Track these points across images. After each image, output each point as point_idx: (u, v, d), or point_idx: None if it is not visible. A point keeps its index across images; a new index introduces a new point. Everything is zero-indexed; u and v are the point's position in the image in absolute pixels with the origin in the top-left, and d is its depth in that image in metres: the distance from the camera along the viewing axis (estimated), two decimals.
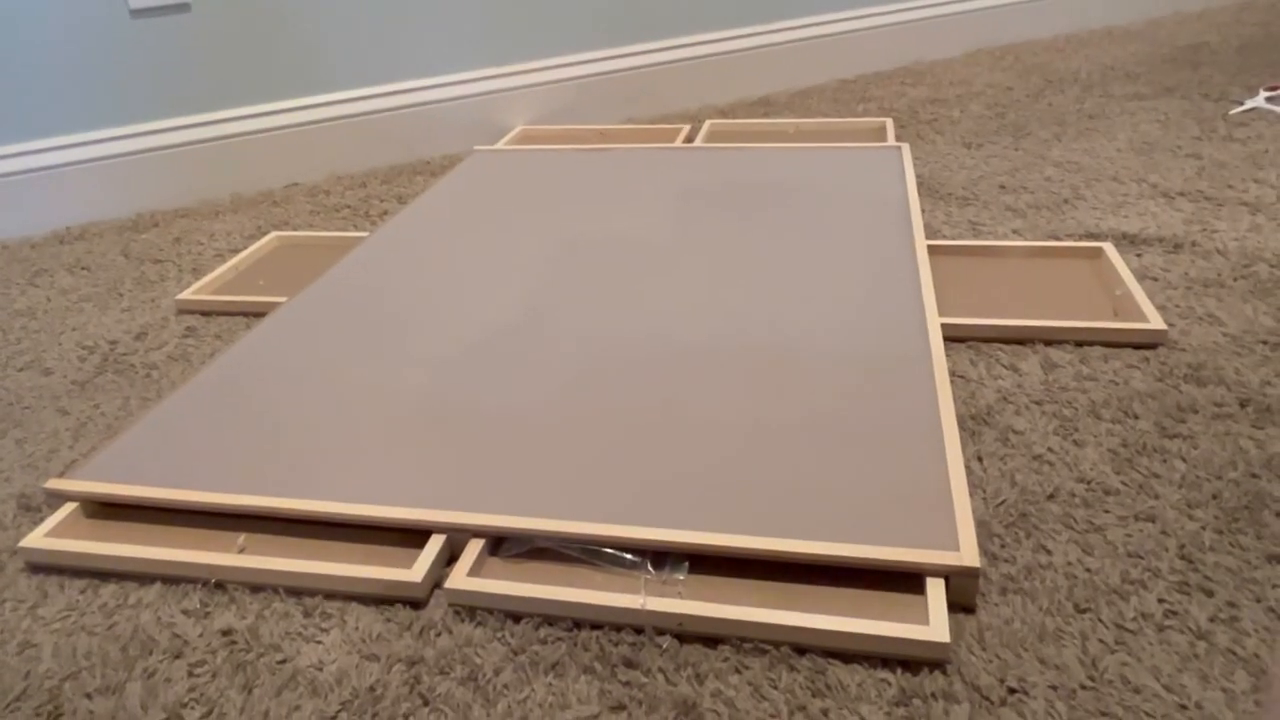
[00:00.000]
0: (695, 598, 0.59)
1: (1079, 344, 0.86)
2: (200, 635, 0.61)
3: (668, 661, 0.56)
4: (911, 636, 0.54)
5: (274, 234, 1.23)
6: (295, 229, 1.29)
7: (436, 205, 1.25)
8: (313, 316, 0.96)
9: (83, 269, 1.22)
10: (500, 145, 1.52)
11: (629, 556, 0.62)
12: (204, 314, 1.06)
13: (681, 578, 0.61)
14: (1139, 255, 1.03)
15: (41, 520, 0.74)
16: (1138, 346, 0.85)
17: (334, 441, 0.75)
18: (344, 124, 1.51)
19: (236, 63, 1.42)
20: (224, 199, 1.44)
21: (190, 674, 0.58)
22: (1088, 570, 0.61)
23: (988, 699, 0.52)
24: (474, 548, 0.64)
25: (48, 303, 1.13)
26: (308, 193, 1.44)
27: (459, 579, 0.61)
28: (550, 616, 0.60)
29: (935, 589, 0.57)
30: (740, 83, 1.79)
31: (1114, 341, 0.86)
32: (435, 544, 0.64)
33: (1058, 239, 1.08)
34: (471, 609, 0.61)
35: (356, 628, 0.60)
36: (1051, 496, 0.68)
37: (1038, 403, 0.79)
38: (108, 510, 0.72)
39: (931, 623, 0.55)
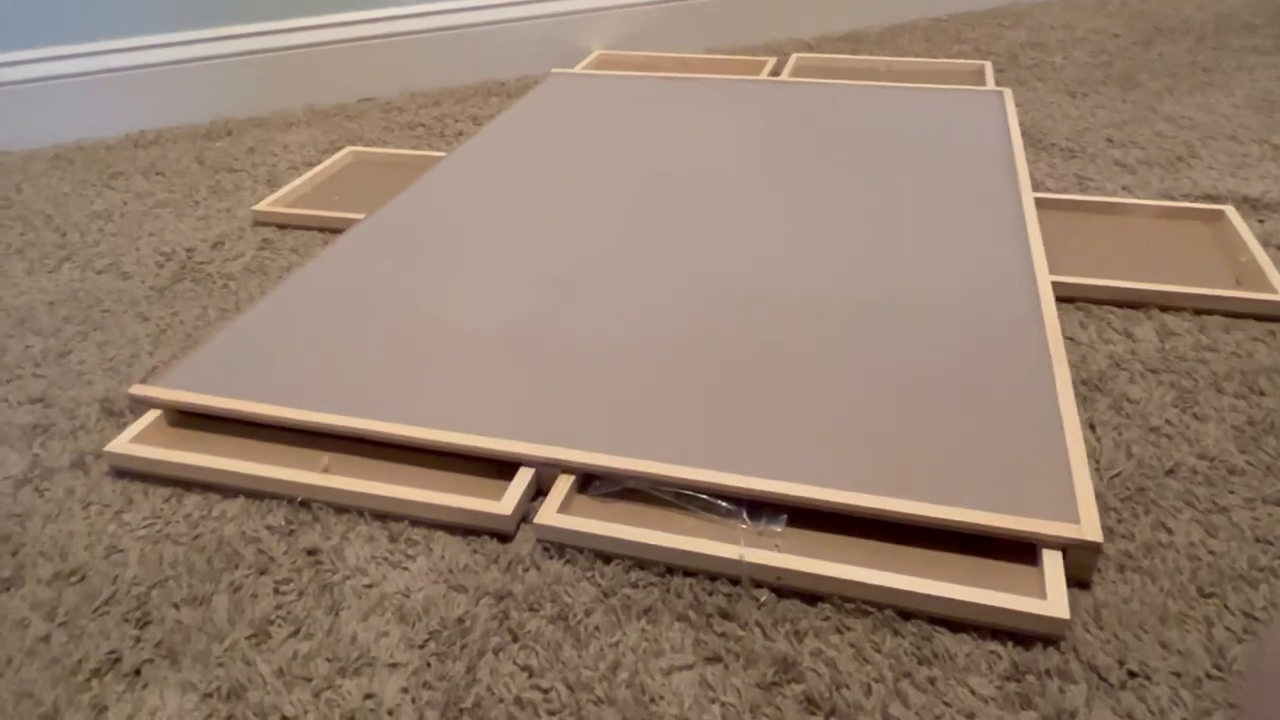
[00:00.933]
0: (794, 551, 0.57)
1: (1197, 312, 0.81)
2: (285, 553, 0.60)
3: (765, 616, 0.54)
4: (1028, 610, 0.51)
5: (349, 149, 1.20)
6: (369, 145, 1.26)
7: (515, 128, 1.21)
8: (392, 235, 0.94)
9: (158, 174, 1.20)
10: (579, 69, 1.47)
11: (725, 504, 0.60)
12: (279, 226, 1.04)
13: (779, 530, 0.58)
14: (1261, 221, 0.96)
15: (124, 425, 0.73)
16: (1261, 319, 0.80)
17: (419, 364, 0.73)
18: (419, 39, 1.46)
19: None
20: (297, 110, 1.41)
21: (276, 591, 0.57)
22: (1212, 553, 0.57)
23: (1106, 681, 0.50)
24: (563, 483, 0.62)
25: (124, 206, 1.12)
26: (381, 108, 1.41)
27: (549, 515, 0.59)
28: (642, 560, 0.58)
29: (1053, 561, 0.54)
30: (827, 16, 1.70)
31: (1236, 312, 0.81)
32: (524, 477, 0.62)
33: (1172, 199, 1.02)
34: (560, 546, 0.59)
35: (443, 557, 0.59)
36: (1171, 472, 0.64)
37: (1154, 371, 0.74)
38: (190, 419, 0.71)
39: (1049, 596, 0.52)
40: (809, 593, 0.55)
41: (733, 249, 0.88)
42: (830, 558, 0.56)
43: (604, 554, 0.58)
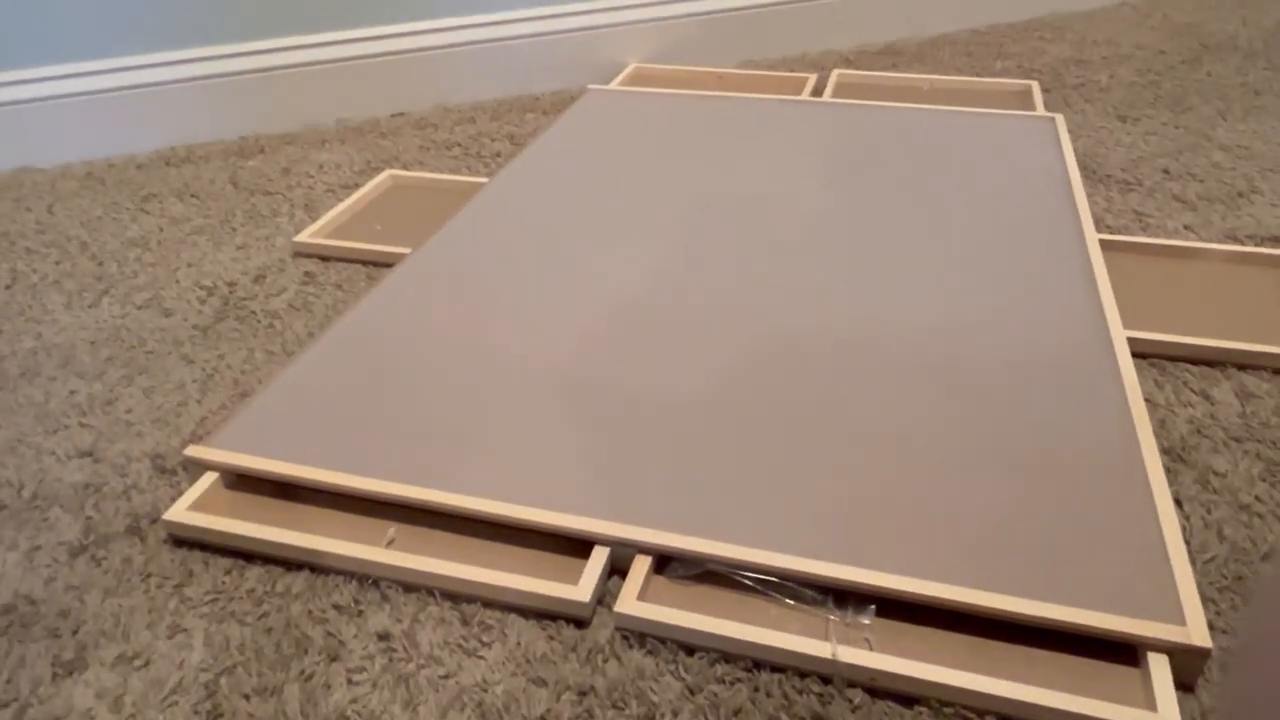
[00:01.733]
0: (884, 647, 0.55)
1: (1276, 371, 0.79)
2: (355, 636, 0.58)
3: (860, 719, 0.52)
4: None
5: (388, 173, 1.17)
6: (406, 165, 1.23)
7: (556, 150, 1.19)
8: (441, 274, 0.92)
9: (192, 196, 1.18)
10: (614, 85, 1.44)
11: (810, 592, 0.58)
12: (321, 258, 1.02)
13: (867, 621, 0.56)
14: None
15: (177, 483, 0.71)
16: None
17: (483, 424, 0.71)
18: (451, 53, 1.43)
19: None
20: (329, 126, 1.38)
21: (349, 681, 0.56)
22: None
23: None
24: (641, 565, 0.60)
25: (160, 232, 1.09)
26: (415, 124, 1.38)
27: (628, 603, 0.57)
28: (727, 654, 0.56)
29: (1159, 666, 0.52)
30: (865, 27, 1.67)
31: None
32: (599, 557, 0.60)
33: (1236, 239, 0.99)
34: (641, 635, 0.57)
35: (519, 644, 0.57)
36: (1267, 557, 0.62)
37: (1237, 439, 0.72)
38: (249, 481, 0.69)
39: (1160, 708, 0.50)
40: (904, 694, 0.53)
41: (792, 292, 0.86)
42: (923, 654, 0.54)
43: (687, 645, 0.57)
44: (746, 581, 0.59)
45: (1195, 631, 0.53)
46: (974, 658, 0.54)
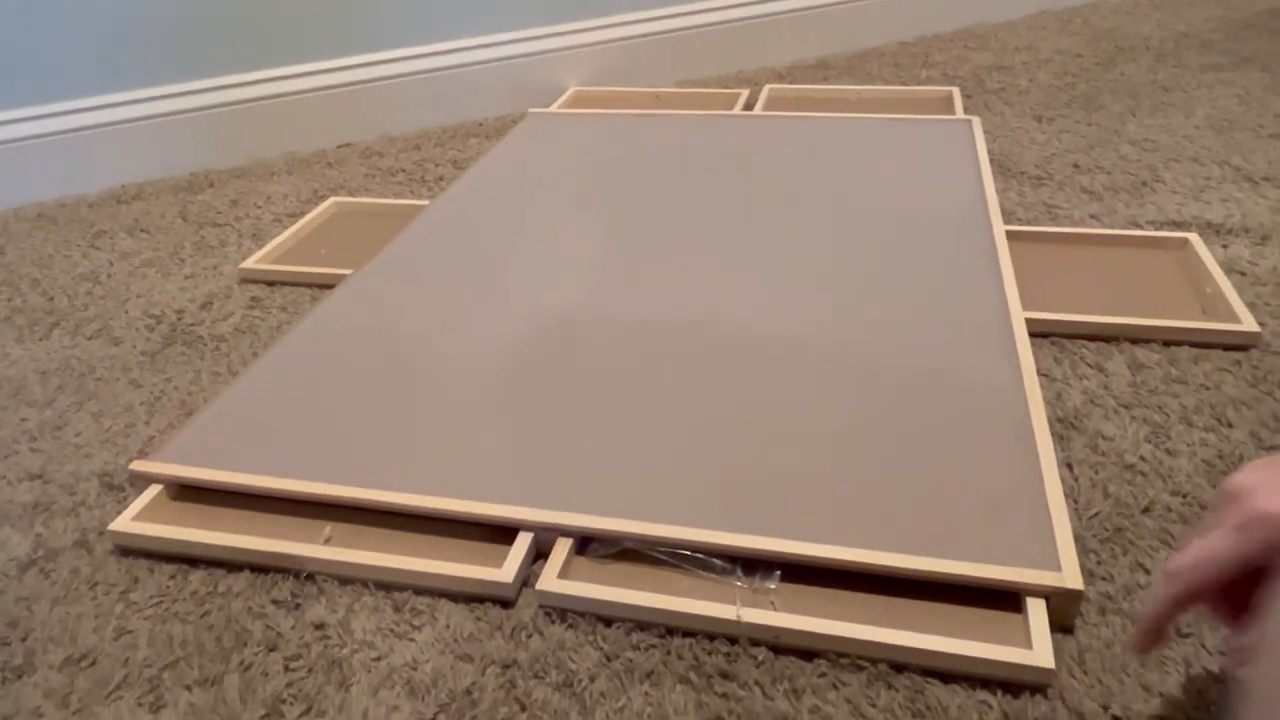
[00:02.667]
0: (788, 608, 0.59)
1: (1167, 343, 0.84)
2: (293, 628, 0.61)
3: (764, 674, 0.56)
4: (1015, 660, 0.54)
5: (332, 200, 1.21)
6: (352, 193, 1.27)
7: (495, 172, 1.23)
8: (380, 291, 0.96)
9: (142, 231, 1.21)
10: (554, 108, 1.49)
11: (719, 562, 0.62)
12: (268, 283, 1.06)
13: (773, 586, 0.60)
14: (1225, 246, 1.00)
15: (124, 499, 0.74)
16: (1229, 348, 0.83)
17: (414, 428, 0.75)
18: (395, 83, 1.48)
19: (285, 20, 1.39)
20: (277, 159, 1.42)
21: (286, 668, 0.59)
22: None
23: None
24: (562, 547, 0.64)
25: (110, 266, 1.13)
26: (361, 154, 1.42)
27: (550, 580, 0.61)
28: (642, 622, 0.59)
29: (1037, 610, 0.56)
30: (797, 44, 1.74)
31: (1204, 342, 0.83)
32: (523, 542, 0.64)
33: (1138, 226, 1.05)
34: (562, 611, 0.61)
35: (448, 626, 0.61)
36: (1147, 510, 0.67)
37: (1126, 406, 0.77)
38: (192, 493, 0.72)
39: (1035, 646, 0.54)
40: (805, 650, 0.57)
41: (711, 295, 0.91)
42: (825, 613, 0.58)
43: (605, 617, 0.60)
44: (661, 557, 0.63)
45: (1069, 576, 0.57)
46: (872, 613, 0.58)
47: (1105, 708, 0.53)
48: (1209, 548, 0.45)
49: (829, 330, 0.84)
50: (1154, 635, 0.48)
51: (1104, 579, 0.61)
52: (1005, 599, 0.58)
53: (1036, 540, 0.60)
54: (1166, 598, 0.46)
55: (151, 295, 1.05)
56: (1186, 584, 0.46)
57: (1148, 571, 0.62)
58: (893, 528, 0.62)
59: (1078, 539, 0.64)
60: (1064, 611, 0.57)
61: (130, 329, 0.99)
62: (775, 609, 0.59)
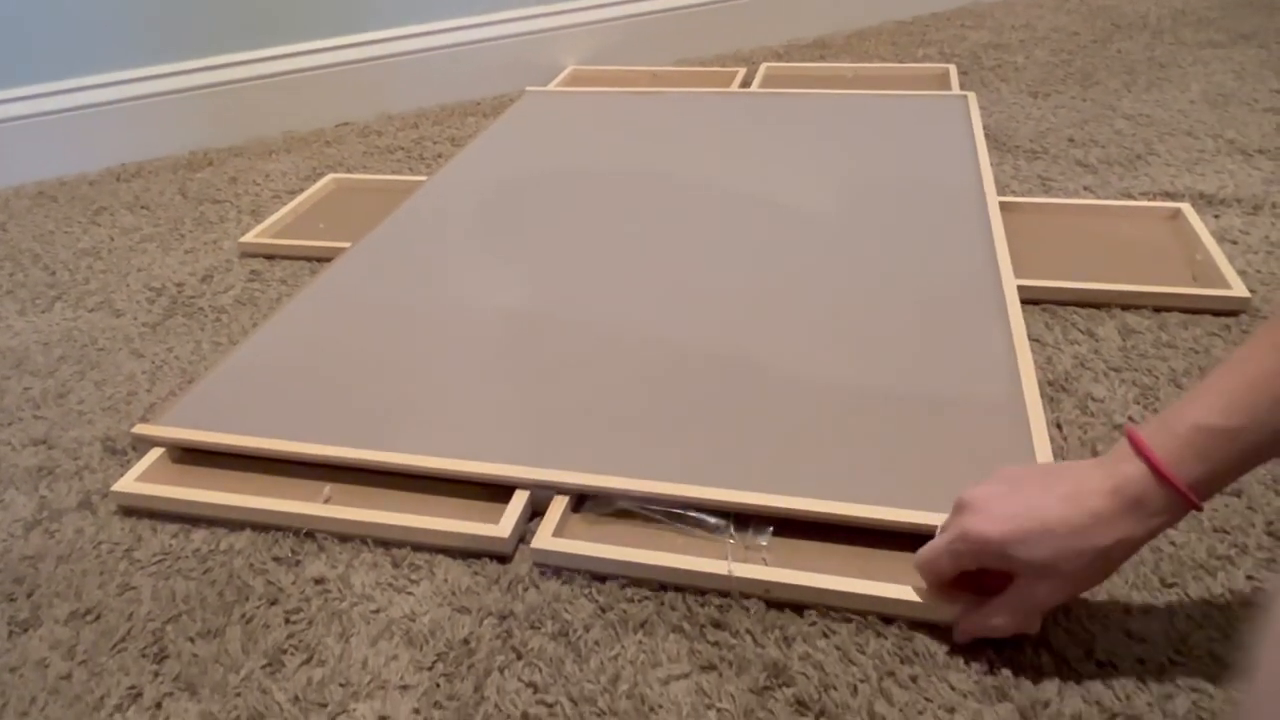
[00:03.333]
0: (779, 562, 0.60)
1: (1157, 309, 0.85)
2: (293, 583, 0.63)
3: (755, 624, 0.57)
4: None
5: (331, 176, 1.22)
6: (350, 170, 1.28)
7: (492, 149, 1.24)
8: (379, 262, 0.96)
9: (142, 208, 1.22)
10: (552, 86, 1.50)
11: (712, 520, 0.63)
12: (267, 257, 1.06)
13: (765, 542, 0.61)
14: (1217, 216, 1.00)
15: (127, 462, 0.75)
16: (1218, 314, 0.84)
17: (413, 391, 0.76)
18: (393, 62, 1.48)
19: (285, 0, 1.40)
20: (276, 138, 1.43)
21: (287, 621, 0.60)
22: (1173, 544, 0.61)
23: (1076, 671, 0.53)
24: (558, 505, 0.65)
25: (111, 242, 1.13)
26: (359, 132, 1.43)
27: (545, 539, 0.62)
28: (636, 578, 0.60)
29: None
30: (794, 23, 1.74)
31: (1194, 308, 0.84)
32: (520, 500, 0.65)
33: (1132, 197, 1.06)
34: (558, 569, 0.62)
35: (446, 580, 0.62)
36: None
37: (1116, 370, 0.78)
38: (193, 456, 0.73)
39: None
40: (797, 602, 0.58)
41: (709, 264, 0.91)
42: (814, 565, 0.59)
43: (599, 574, 0.61)
44: (655, 515, 0.64)
45: None
46: (864, 565, 0.59)
47: (1089, 653, 0.54)
48: (931, 555, 0.53)
49: (824, 296, 0.85)
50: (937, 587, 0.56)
51: None
52: None
53: None
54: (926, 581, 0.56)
55: (152, 269, 1.06)
56: (925, 578, 0.55)
57: None
58: (884, 484, 0.63)
59: None
60: None
61: (131, 301, 1.00)
62: (766, 564, 0.60)
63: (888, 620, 0.57)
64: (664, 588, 0.60)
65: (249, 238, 1.07)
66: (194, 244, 1.11)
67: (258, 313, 0.96)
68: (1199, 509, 0.47)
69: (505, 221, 1.03)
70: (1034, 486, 0.50)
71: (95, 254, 1.11)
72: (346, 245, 1.03)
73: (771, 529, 0.62)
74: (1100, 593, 0.58)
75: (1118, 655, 0.54)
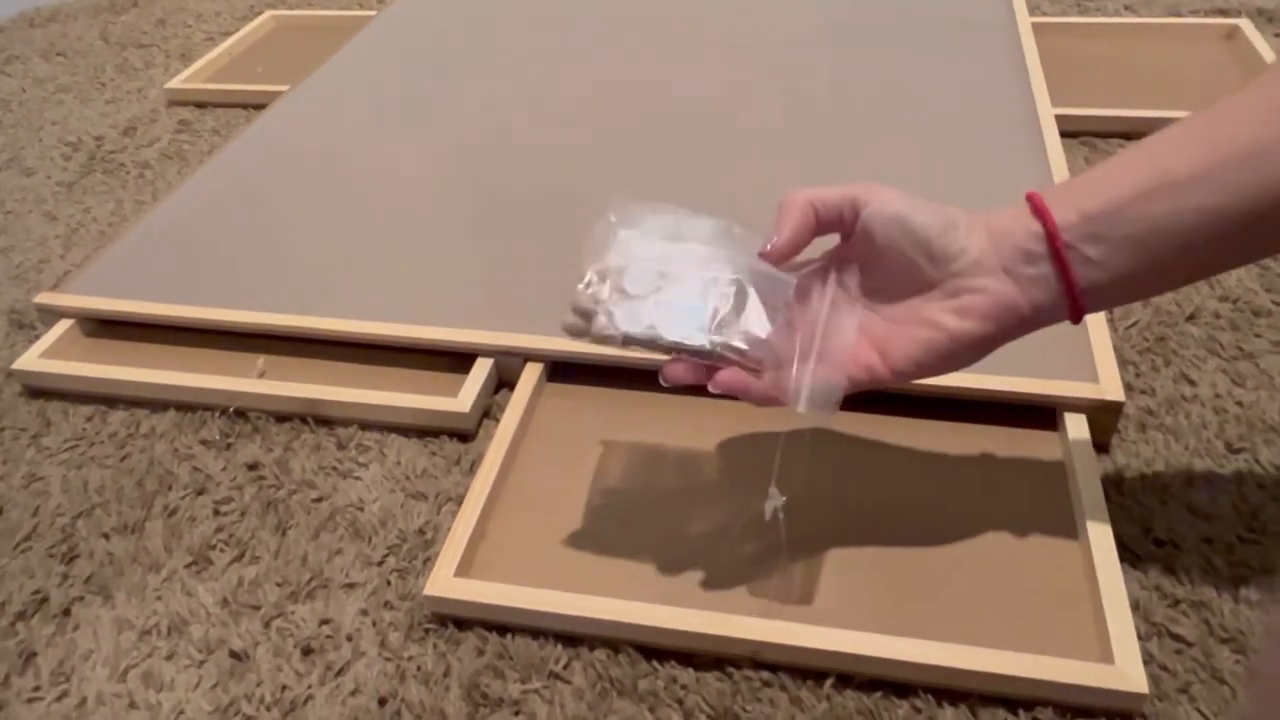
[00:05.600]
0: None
1: None
2: (224, 469, 0.54)
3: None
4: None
5: (269, 14, 1.08)
6: (291, 6, 1.13)
7: None
8: (319, 109, 0.84)
9: (59, 55, 1.08)
10: None
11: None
12: (198, 105, 0.94)
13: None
14: (1279, 35, 0.88)
15: (35, 338, 0.66)
16: None
17: (358, 251, 0.66)
18: None
19: None
20: None
21: (216, 512, 0.52)
22: (1239, 404, 0.53)
23: (1133, 552, 0.45)
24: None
25: (23, 94, 1.00)
26: None
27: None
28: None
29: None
30: None
31: None
32: (482, 369, 0.56)
33: (1180, 15, 0.93)
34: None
35: (398, 462, 0.54)
36: (1191, 318, 0.59)
37: None
38: (108, 328, 0.64)
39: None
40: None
41: (692, 87, 0.80)
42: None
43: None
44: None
45: (1108, 388, 0.50)
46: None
47: (1147, 531, 0.46)
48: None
49: (848, 131, 0.74)
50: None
51: (1144, 392, 0.54)
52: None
53: (1073, 354, 0.52)
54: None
55: (68, 122, 0.94)
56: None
57: (1193, 383, 0.54)
58: None
59: (1115, 350, 0.56)
60: (1101, 427, 0.50)
61: (44, 159, 0.88)
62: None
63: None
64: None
65: (176, 83, 0.94)
66: (116, 93, 0.98)
67: (186, 167, 0.84)
68: (1076, 297, 0.37)
69: (462, 60, 0.90)
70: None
71: (5, 107, 0.98)
72: (286, 89, 0.90)
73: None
74: (1158, 460, 0.50)
75: (1179, 534, 0.46)
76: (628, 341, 0.39)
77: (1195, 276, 0.39)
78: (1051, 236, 0.36)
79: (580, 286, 0.40)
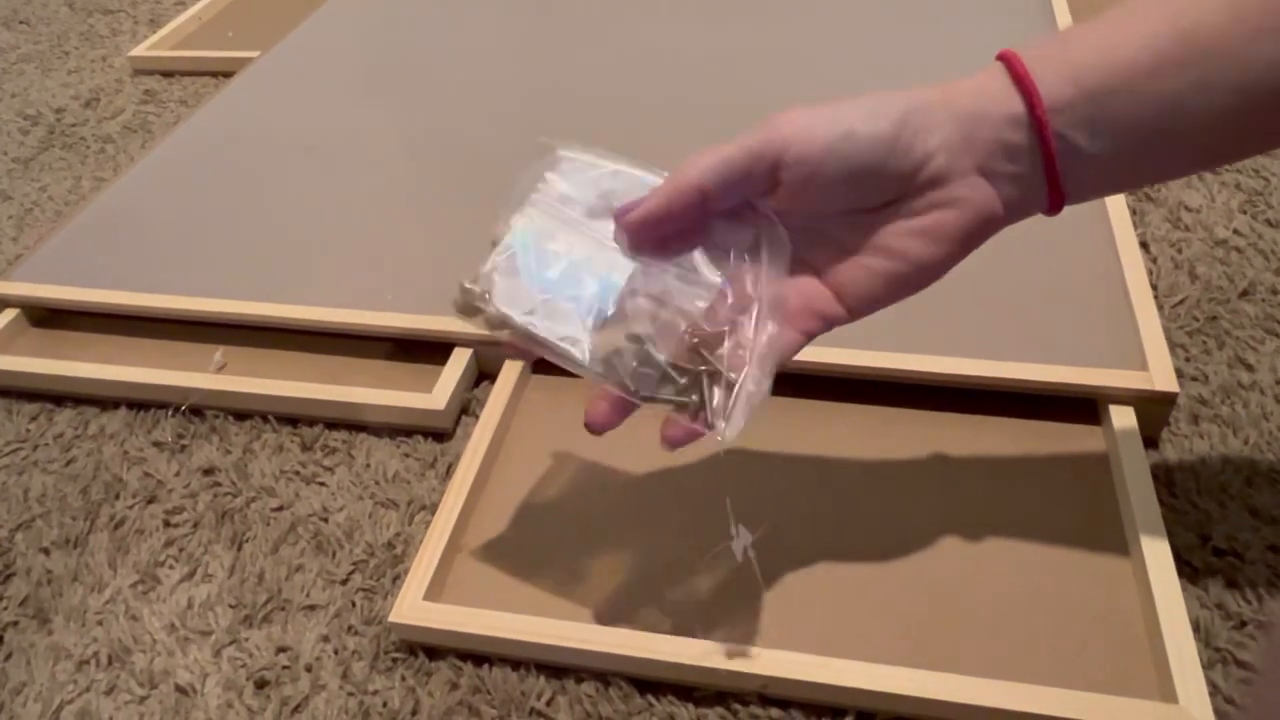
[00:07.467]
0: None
1: None
2: (177, 474, 0.49)
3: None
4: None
5: None
6: None
7: None
8: (288, 79, 0.78)
9: (21, 23, 1.02)
10: None
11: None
12: (164, 74, 0.88)
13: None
14: None
15: None
16: None
17: (326, 234, 0.60)
18: None
19: None
20: None
21: (167, 524, 0.47)
22: None
23: (1189, 565, 0.40)
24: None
25: None
26: None
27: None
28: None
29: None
30: None
31: None
32: (460, 360, 0.51)
33: None
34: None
35: (368, 465, 0.48)
36: (1245, 294, 0.53)
37: (1214, 172, 0.62)
38: (57, 318, 0.59)
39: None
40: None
41: (681, 66, 0.74)
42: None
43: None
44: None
45: (1159, 376, 0.44)
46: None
47: (1205, 539, 0.41)
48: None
49: (855, 62, 0.68)
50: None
51: (1195, 379, 0.48)
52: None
53: (1113, 333, 0.47)
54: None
55: (28, 94, 0.88)
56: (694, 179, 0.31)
57: (1250, 368, 0.49)
58: (944, 330, 0.48)
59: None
60: (1151, 421, 0.45)
61: (0, 134, 0.82)
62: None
63: None
64: None
65: (141, 50, 0.88)
66: (79, 62, 0.92)
67: (151, 141, 0.78)
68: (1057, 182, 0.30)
69: (444, 20, 0.84)
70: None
71: None
72: (257, 55, 0.84)
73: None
74: (1211, 455, 0.44)
75: (1241, 541, 0.41)
76: (504, 325, 0.33)
77: (1199, 168, 0.33)
78: (1040, 124, 0.29)
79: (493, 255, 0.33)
